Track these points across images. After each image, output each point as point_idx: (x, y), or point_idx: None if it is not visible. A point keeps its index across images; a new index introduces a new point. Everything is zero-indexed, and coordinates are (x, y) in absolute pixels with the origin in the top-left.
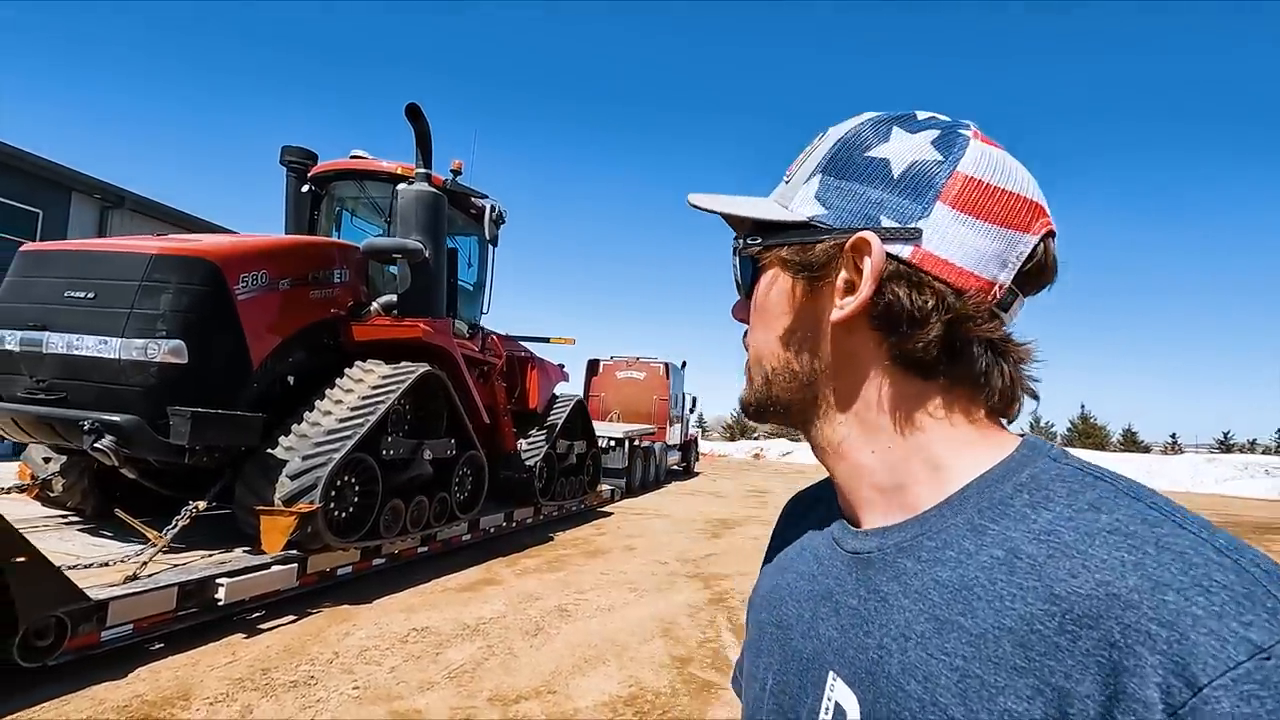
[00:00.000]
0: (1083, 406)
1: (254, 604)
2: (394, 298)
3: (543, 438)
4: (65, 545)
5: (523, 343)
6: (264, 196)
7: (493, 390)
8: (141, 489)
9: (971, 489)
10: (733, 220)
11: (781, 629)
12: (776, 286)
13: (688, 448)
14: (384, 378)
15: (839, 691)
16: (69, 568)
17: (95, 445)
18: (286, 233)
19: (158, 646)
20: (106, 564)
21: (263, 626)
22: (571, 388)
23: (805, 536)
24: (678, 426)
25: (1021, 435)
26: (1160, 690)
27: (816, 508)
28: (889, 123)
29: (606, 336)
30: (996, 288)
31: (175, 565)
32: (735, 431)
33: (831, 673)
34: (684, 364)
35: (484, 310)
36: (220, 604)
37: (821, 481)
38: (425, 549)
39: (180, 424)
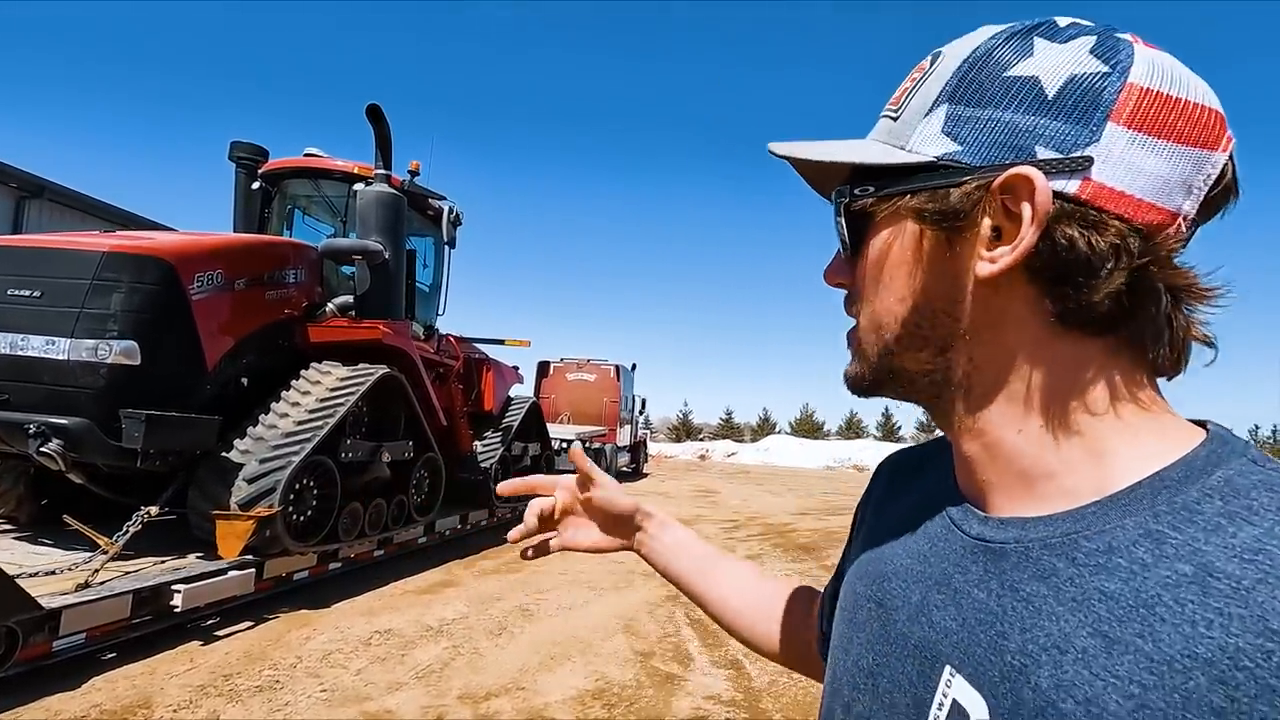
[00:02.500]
0: None
1: (209, 611)
2: (350, 299)
3: (498, 440)
4: (4, 554)
5: (478, 344)
6: (201, 191)
7: (450, 392)
8: (79, 496)
9: (1145, 487)
10: (825, 170)
11: (883, 608)
12: (901, 241)
13: (637, 449)
14: (342, 380)
15: (958, 690)
16: (15, 577)
17: (41, 449)
18: (235, 231)
19: (110, 656)
20: (54, 572)
21: (219, 633)
22: (523, 389)
23: (911, 508)
24: (628, 428)
25: (1205, 424)
26: None
27: (922, 475)
28: (1026, 34)
29: (558, 339)
30: (1181, 220)
31: (127, 573)
32: (681, 433)
33: (949, 667)
34: (634, 366)
35: (440, 312)
36: (176, 611)
37: (926, 444)
38: (381, 552)
39: (133, 427)
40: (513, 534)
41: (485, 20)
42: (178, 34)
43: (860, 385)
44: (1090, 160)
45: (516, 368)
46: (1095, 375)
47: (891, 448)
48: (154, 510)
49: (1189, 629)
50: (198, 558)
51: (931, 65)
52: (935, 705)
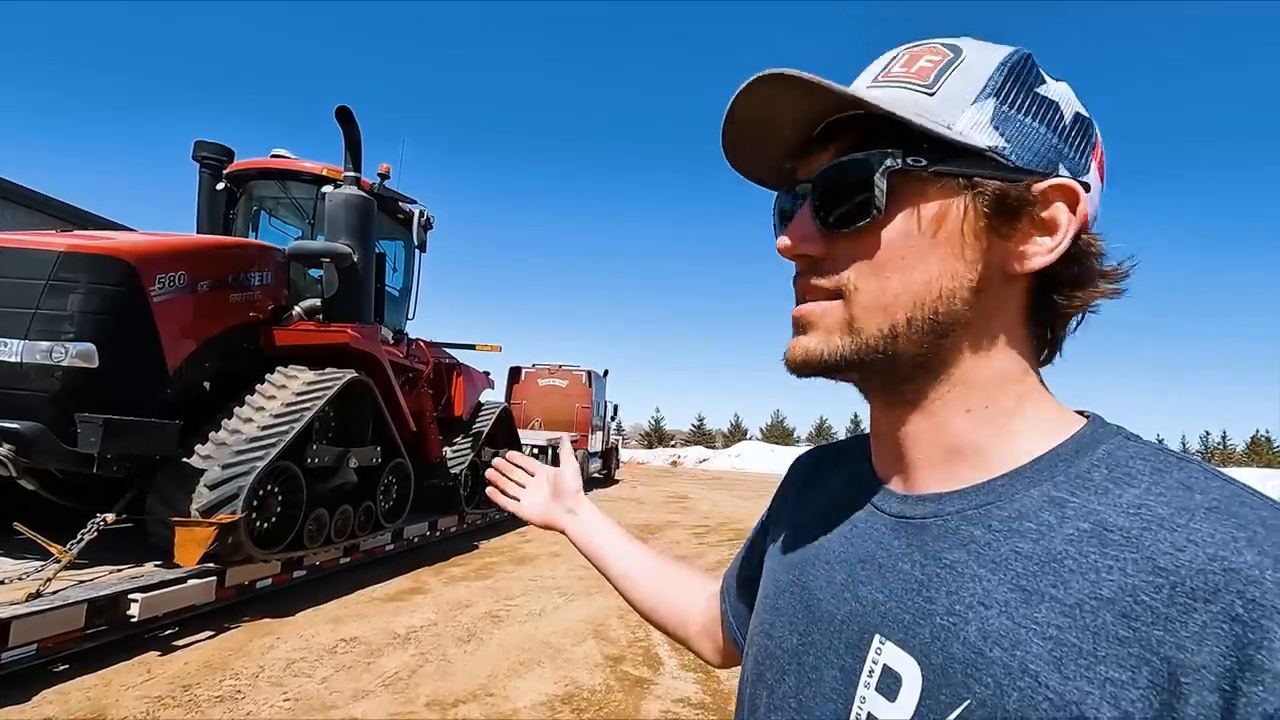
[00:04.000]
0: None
1: (167, 620)
2: (318, 302)
3: (468, 445)
4: None
5: (448, 349)
6: (163, 192)
7: (419, 397)
8: (28, 503)
9: (1044, 461)
10: (815, 114)
11: (806, 590)
12: (950, 219)
13: (609, 455)
14: (309, 384)
15: (889, 655)
16: None
17: None
18: (198, 231)
19: (63, 668)
20: (3, 581)
21: (178, 643)
22: (494, 395)
23: (831, 498)
24: (600, 434)
25: (1084, 412)
26: None
27: (838, 467)
28: (1032, 60)
29: (530, 345)
30: None
31: (81, 582)
32: (653, 439)
33: (878, 636)
34: (606, 372)
35: (410, 316)
36: (133, 620)
37: (840, 443)
38: (347, 559)
39: (90, 431)
40: (493, 470)
41: (460, 23)
42: (138, 29)
43: (837, 365)
44: (1089, 188)
45: (487, 373)
46: (1029, 366)
47: None
48: (110, 517)
49: (1094, 576)
50: (156, 566)
51: (955, 56)
52: (865, 673)
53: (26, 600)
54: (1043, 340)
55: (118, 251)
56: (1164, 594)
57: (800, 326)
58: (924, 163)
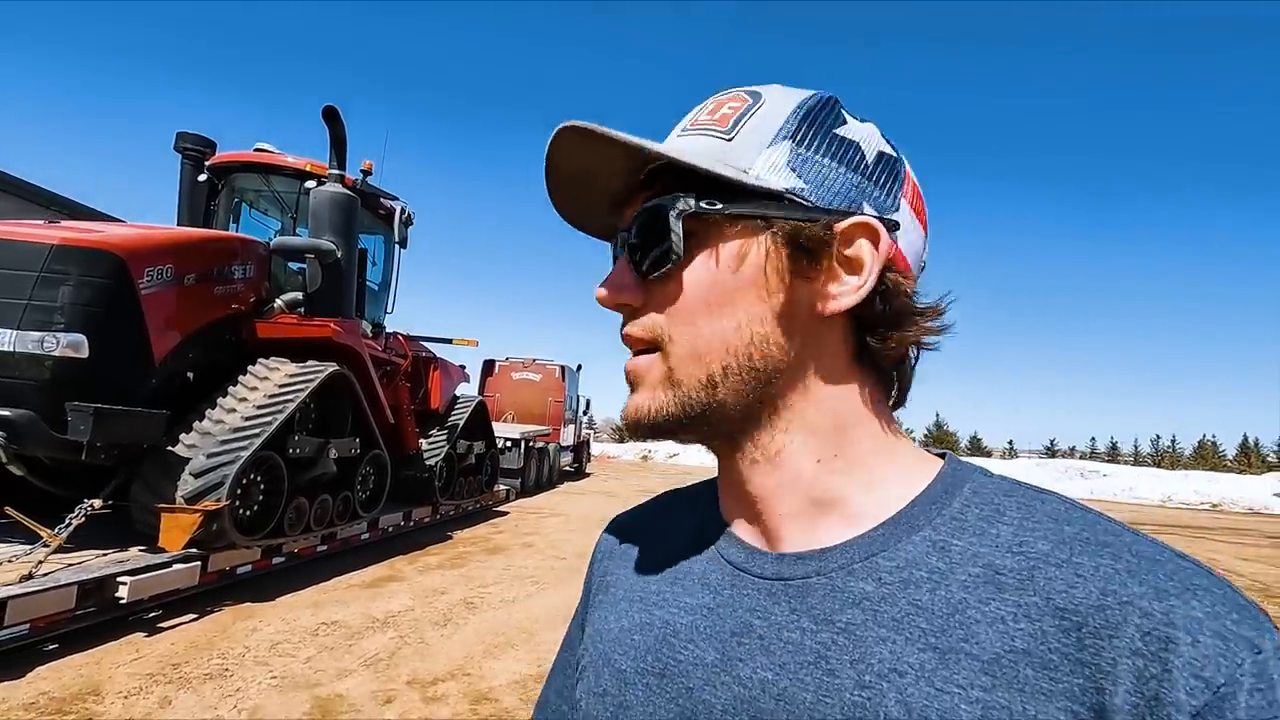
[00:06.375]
0: (937, 414)
1: (151, 604)
2: (299, 295)
3: (444, 438)
4: None
5: (425, 343)
6: (142, 180)
7: (397, 390)
8: (11, 488)
9: (919, 505)
10: (620, 168)
11: (668, 678)
12: (750, 262)
13: (580, 449)
14: (291, 376)
15: None
16: None
17: None
18: (179, 222)
19: (53, 647)
20: None
21: (163, 625)
22: (468, 388)
23: (670, 566)
24: (572, 428)
25: (935, 450)
26: (1185, 692)
27: (665, 534)
28: (834, 103)
29: (504, 339)
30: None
31: (70, 564)
32: (625, 434)
33: None
34: (579, 367)
35: (389, 310)
36: (122, 602)
37: (657, 501)
38: (324, 547)
39: (81, 419)
40: None
41: (437, 11)
42: (122, 14)
43: (666, 423)
44: (898, 225)
45: (463, 367)
46: (873, 410)
47: None
48: (97, 503)
49: (1001, 626)
50: (141, 550)
51: (755, 102)
52: None
53: (20, 581)
54: (888, 383)
55: (109, 245)
56: (1073, 638)
57: (630, 382)
58: (718, 205)
